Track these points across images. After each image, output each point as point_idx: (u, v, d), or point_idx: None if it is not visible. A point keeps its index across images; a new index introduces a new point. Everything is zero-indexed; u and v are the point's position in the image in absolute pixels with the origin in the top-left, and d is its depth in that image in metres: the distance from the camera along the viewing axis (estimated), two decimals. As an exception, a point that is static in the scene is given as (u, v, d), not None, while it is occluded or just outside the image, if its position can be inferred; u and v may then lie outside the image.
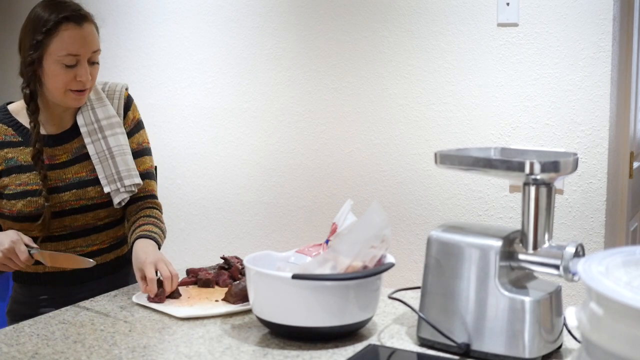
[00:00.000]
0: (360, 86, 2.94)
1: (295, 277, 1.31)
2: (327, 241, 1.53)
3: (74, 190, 1.78)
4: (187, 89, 3.35)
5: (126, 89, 1.91)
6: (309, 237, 3.02)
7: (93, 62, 1.74)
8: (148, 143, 1.93)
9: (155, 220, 1.84)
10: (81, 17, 1.70)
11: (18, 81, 1.78)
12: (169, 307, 1.58)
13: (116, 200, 1.80)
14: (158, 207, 1.90)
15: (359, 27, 2.92)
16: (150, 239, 1.74)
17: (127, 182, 1.80)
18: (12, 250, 1.60)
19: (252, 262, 1.42)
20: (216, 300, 1.62)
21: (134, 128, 1.89)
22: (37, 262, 1.71)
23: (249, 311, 1.53)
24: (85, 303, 1.65)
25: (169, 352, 1.33)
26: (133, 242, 1.74)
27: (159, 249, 1.77)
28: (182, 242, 3.42)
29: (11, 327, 1.49)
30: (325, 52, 3.00)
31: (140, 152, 1.89)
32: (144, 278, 1.64)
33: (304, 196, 3.11)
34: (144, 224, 1.80)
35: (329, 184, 3.04)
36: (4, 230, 1.78)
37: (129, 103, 1.90)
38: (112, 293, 1.73)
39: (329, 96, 3.01)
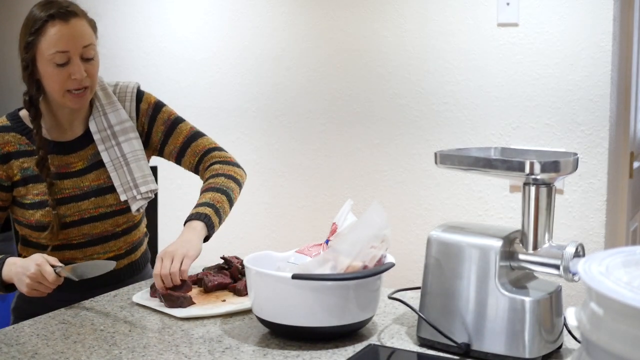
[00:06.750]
0: (360, 86, 2.93)
1: (295, 277, 1.31)
2: (327, 241, 1.53)
3: (92, 199, 1.76)
4: (187, 89, 3.35)
5: (138, 87, 1.88)
6: (309, 237, 3.02)
7: (87, 59, 1.69)
8: (176, 114, 1.89)
9: (221, 179, 1.80)
10: (67, 14, 1.66)
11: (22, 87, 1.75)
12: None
13: (134, 207, 1.79)
14: (222, 160, 1.86)
15: (359, 27, 2.91)
16: (200, 220, 1.70)
17: (143, 189, 1.78)
18: (39, 274, 1.54)
19: (252, 262, 1.42)
20: (223, 300, 1.62)
21: (154, 111, 1.86)
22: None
23: (249, 311, 1.53)
24: (85, 303, 1.65)
25: (169, 352, 1.33)
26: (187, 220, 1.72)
27: (214, 225, 1.73)
28: (182, 242, 3.42)
29: (11, 327, 1.49)
30: (325, 52, 3.00)
31: (173, 125, 1.86)
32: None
33: (304, 196, 3.10)
34: (207, 189, 1.77)
35: (329, 184, 3.04)
36: (21, 235, 1.78)
37: (139, 97, 1.86)
38: (112, 293, 1.72)
39: (329, 96, 3.01)
